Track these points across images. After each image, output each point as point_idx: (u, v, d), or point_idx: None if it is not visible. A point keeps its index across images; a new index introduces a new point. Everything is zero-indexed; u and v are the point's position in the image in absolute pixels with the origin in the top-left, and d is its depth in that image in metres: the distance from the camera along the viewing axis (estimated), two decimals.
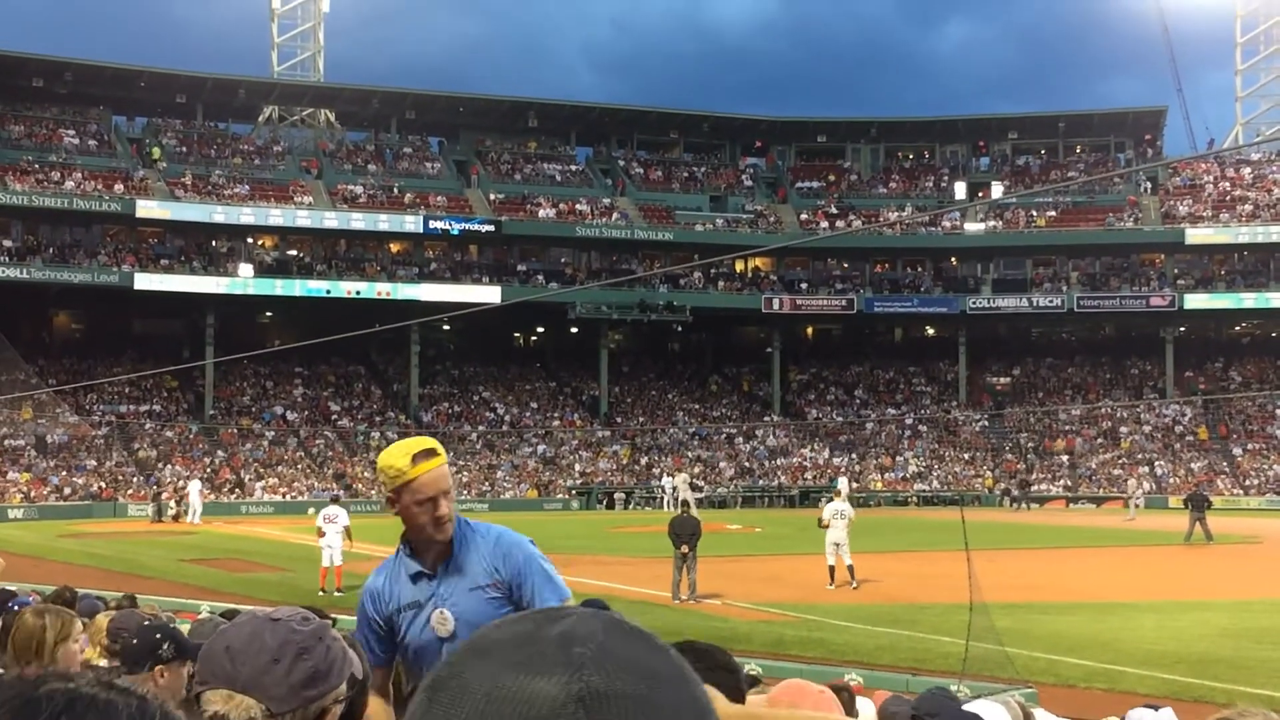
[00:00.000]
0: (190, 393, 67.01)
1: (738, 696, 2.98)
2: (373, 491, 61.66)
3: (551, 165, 78.63)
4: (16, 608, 8.00)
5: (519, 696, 0.92)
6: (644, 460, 68.69)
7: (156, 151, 69.13)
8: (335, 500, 29.67)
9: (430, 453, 4.35)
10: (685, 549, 24.38)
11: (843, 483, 61.05)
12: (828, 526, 26.48)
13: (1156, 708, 6.51)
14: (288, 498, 59.02)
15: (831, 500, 29.11)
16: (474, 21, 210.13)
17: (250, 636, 2.27)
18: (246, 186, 68.40)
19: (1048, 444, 70.98)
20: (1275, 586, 27.44)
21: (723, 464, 68.64)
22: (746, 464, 68.93)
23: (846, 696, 8.14)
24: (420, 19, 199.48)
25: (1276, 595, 25.47)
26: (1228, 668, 16.81)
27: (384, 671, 4.48)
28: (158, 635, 4.45)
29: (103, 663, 5.67)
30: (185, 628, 6.11)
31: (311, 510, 37.67)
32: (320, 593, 24.99)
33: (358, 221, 68.07)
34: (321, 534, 26.51)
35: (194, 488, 52.91)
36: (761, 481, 66.93)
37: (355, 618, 4.72)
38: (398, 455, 4.34)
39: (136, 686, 1.01)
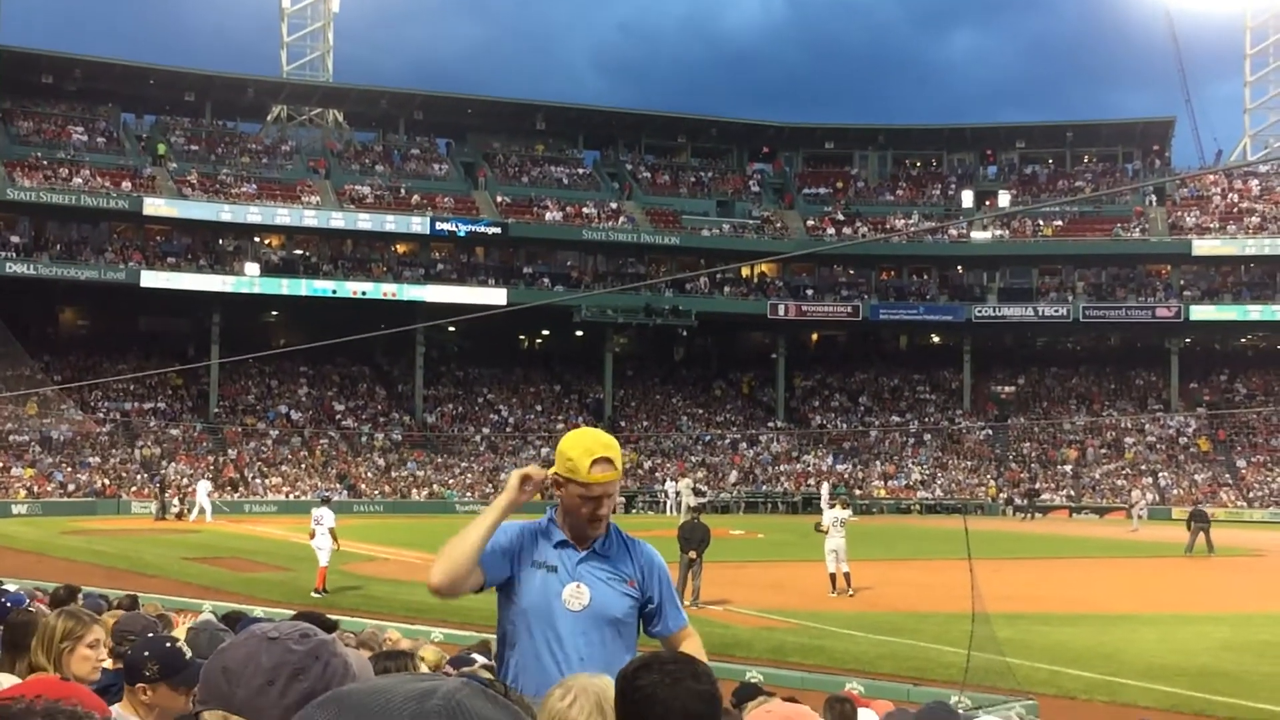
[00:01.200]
0: (195, 391, 67.06)
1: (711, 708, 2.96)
2: (376, 492, 61.83)
3: (559, 168, 78.67)
4: (10, 605, 8.01)
5: None
6: (647, 464, 68.68)
7: (162, 148, 69.22)
8: (325, 501, 29.61)
9: (610, 463, 4.58)
10: (693, 554, 24.40)
11: (825, 489, 61.35)
12: (826, 532, 26.49)
13: None
14: (291, 497, 59.04)
15: (834, 507, 29.07)
16: (483, 24, 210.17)
17: (246, 657, 2.25)
18: (254, 185, 68.47)
19: (1051, 454, 70.91)
20: (1278, 600, 27.41)
21: (729, 470, 68.59)
22: (750, 469, 68.90)
23: (849, 707, 8.17)
24: (429, 21, 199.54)
25: (1279, 609, 25.45)
26: (1229, 681, 16.80)
27: (480, 575, 4.64)
28: (145, 654, 4.44)
29: (108, 664, 5.68)
30: (183, 630, 6.10)
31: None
32: (314, 594, 24.97)
33: (364, 222, 68.10)
34: (313, 535, 26.55)
35: (202, 488, 52.91)
36: (765, 487, 66.88)
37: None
38: (581, 450, 4.58)
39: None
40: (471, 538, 4.58)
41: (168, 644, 4.59)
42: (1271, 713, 14.60)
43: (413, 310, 64.37)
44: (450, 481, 64.12)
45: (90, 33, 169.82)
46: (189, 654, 4.58)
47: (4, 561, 28.57)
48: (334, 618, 10.97)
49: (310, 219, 67.17)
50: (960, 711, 6.39)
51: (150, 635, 4.86)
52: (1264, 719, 13.84)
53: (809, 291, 74.71)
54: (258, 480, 61.25)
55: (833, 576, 26.39)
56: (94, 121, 70.96)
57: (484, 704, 0.99)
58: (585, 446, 4.59)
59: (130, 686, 4.38)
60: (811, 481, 67.47)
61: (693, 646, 4.72)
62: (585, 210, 73.82)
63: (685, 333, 74.35)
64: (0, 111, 67.10)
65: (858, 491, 63.52)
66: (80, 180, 64.27)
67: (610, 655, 4.50)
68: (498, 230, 70.16)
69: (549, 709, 3.26)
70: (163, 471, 58.77)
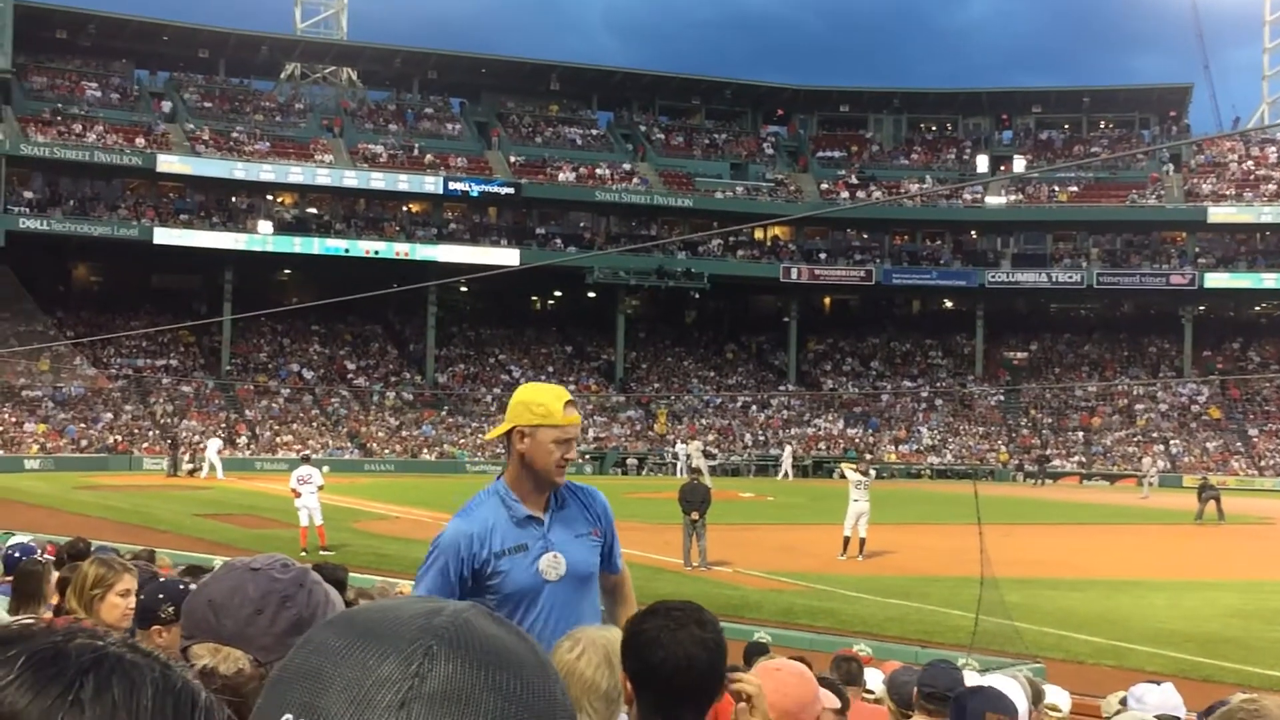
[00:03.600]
0: (207, 348, 67.21)
1: (718, 654, 2.98)
2: (387, 451, 61.98)
3: (572, 129, 78.45)
4: (20, 555, 8.08)
5: (376, 641, 0.99)
6: (658, 427, 68.75)
7: (168, 105, 69.29)
8: (307, 460, 29.56)
9: (573, 404, 4.64)
10: (695, 516, 24.44)
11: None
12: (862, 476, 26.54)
13: (1159, 684, 6.55)
14: (301, 455, 59.13)
15: (857, 470, 28.77)
16: None
17: (232, 589, 2.26)
18: (267, 143, 68.39)
19: (1063, 421, 70.84)
20: None
21: (743, 432, 68.63)
22: (760, 433, 68.92)
23: (855, 665, 8.20)
24: None
25: None
26: (1237, 648, 16.83)
27: None
28: (160, 596, 4.47)
29: None
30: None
31: (326, 468, 37.77)
32: (302, 553, 24.96)
33: (377, 181, 68.01)
34: (297, 494, 26.40)
35: (213, 445, 52.99)
36: (775, 451, 66.96)
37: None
38: (550, 395, 4.61)
39: (160, 653, 1.07)
40: None
41: (180, 586, 4.63)
42: (1279, 679, 14.62)
43: (425, 270, 64.37)
44: (461, 441, 64.24)
45: None
46: None
47: (17, 516, 28.71)
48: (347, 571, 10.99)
49: (323, 177, 67.09)
50: (965, 671, 6.40)
51: (162, 579, 4.89)
52: (1272, 685, 13.85)
53: (822, 255, 74.56)
54: (270, 438, 61.42)
55: (847, 540, 26.41)
56: (108, 78, 70.88)
57: (490, 623, 1.02)
58: (552, 393, 4.63)
59: (145, 630, 4.41)
60: (822, 445, 67.51)
61: (627, 586, 4.97)
62: (598, 171, 73.64)
63: (697, 295, 74.30)
64: (14, 67, 66.92)
65: (869, 456, 63.51)
66: (94, 136, 64.24)
67: (581, 610, 4.59)
68: (511, 191, 70.06)
69: (558, 660, 3.26)
70: (175, 429, 58.96)
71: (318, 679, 0.98)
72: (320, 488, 26.51)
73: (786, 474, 60.53)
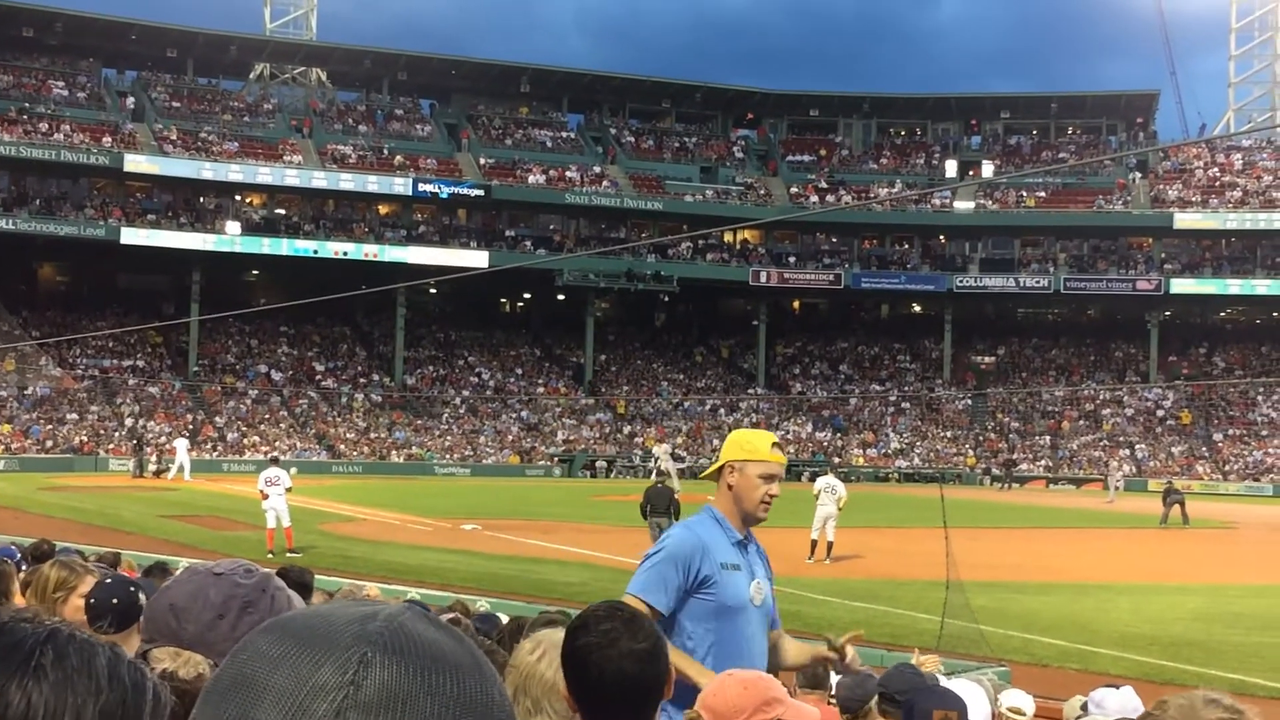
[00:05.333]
0: (174, 349, 66.85)
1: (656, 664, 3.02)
2: (355, 453, 61.77)
3: (543, 131, 78.40)
4: None
5: (310, 649, 0.98)
6: (627, 429, 68.77)
7: (133, 102, 69.07)
8: (275, 461, 29.41)
9: (779, 447, 5.12)
10: (661, 521, 24.32)
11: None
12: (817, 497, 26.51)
13: (1119, 688, 6.63)
14: (269, 456, 58.84)
15: (827, 475, 28.88)
16: None
17: (194, 593, 2.26)
18: (236, 144, 68.10)
19: (1029, 425, 71.19)
20: (1249, 572, 27.64)
21: (711, 436, 68.68)
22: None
23: (822, 670, 8.20)
24: None
25: (1250, 580, 25.66)
26: (1200, 651, 16.94)
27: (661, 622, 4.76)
28: (113, 600, 4.44)
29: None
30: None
31: (294, 470, 37.61)
32: (269, 555, 24.85)
33: (346, 182, 67.80)
34: (264, 496, 26.22)
35: (181, 445, 52.65)
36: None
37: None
38: (759, 437, 5.12)
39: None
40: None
41: (130, 588, 4.61)
42: (1241, 681, 14.73)
43: (394, 271, 64.21)
44: (429, 443, 64.10)
45: None
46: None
47: None
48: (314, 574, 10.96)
49: (292, 178, 66.83)
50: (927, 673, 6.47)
51: (110, 580, 4.85)
52: (1233, 687, 13.96)
53: (791, 259, 74.72)
54: (237, 439, 61.13)
55: (814, 543, 26.46)
56: (75, 76, 70.46)
57: (426, 626, 1.01)
58: (761, 435, 5.13)
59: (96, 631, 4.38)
60: (791, 449, 67.61)
61: (788, 640, 5.39)
62: (568, 174, 73.62)
63: (667, 298, 74.37)
64: None
65: (836, 459, 63.65)
66: (60, 135, 63.84)
67: (764, 639, 5.07)
68: (480, 193, 69.97)
69: (519, 661, 3.29)
70: (141, 430, 58.61)
71: (251, 688, 0.98)
72: (288, 489, 26.37)
73: None
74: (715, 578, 4.87)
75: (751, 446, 5.04)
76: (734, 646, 4.83)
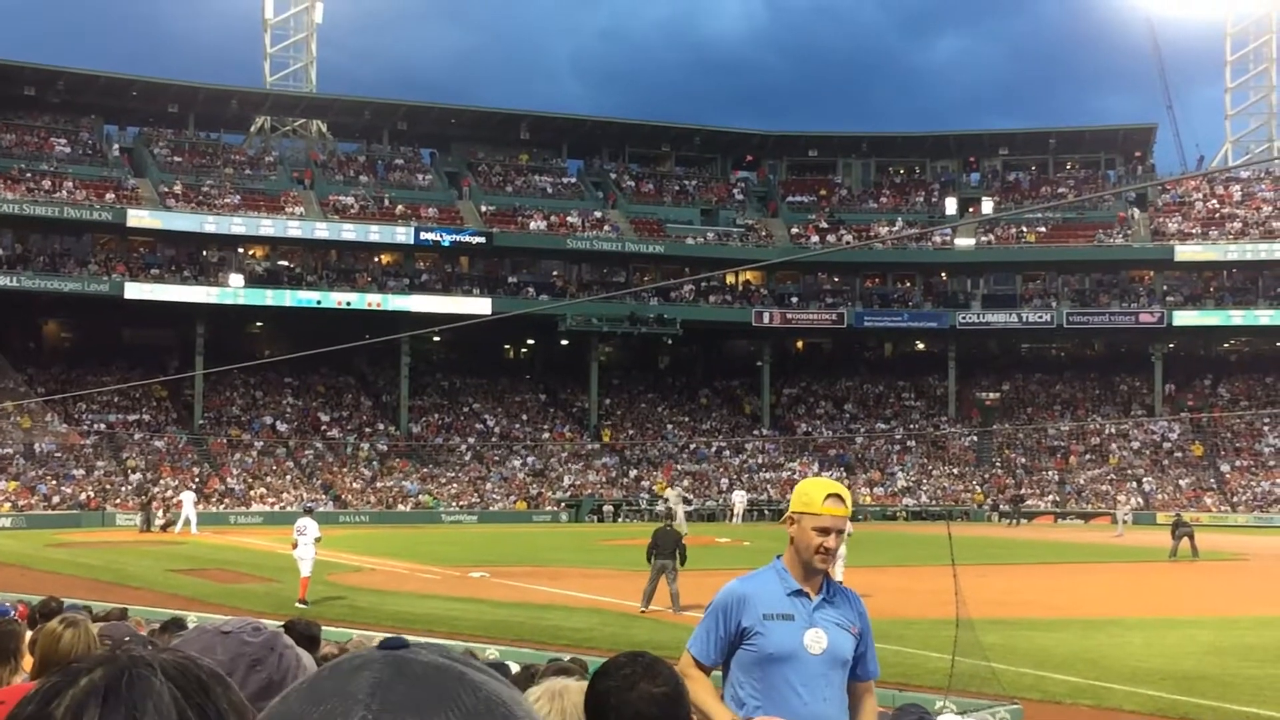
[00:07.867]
0: (180, 402, 66.88)
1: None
2: (361, 503, 61.69)
3: (543, 177, 78.69)
4: None
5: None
6: (633, 473, 68.67)
7: (137, 159, 69.31)
8: (308, 512, 29.49)
9: (840, 500, 5.17)
10: (666, 562, 24.26)
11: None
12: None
13: None
14: (276, 508, 58.88)
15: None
16: (464, 32, 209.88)
17: (201, 651, 2.26)
18: (238, 196, 68.37)
19: (1036, 461, 71.05)
20: (1261, 603, 27.50)
21: (719, 478, 68.58)
22: (735, 477, 68.86)
23: None
24: (411, 28, 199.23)
25: (1262, 612, 25.54)
26: (1214, 685, 16.85)
27: (707, 670, 5.19)
28: None
29: None
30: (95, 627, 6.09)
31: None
32: (299, 604, 24.85)
33: (349, 232, 68.02)
34: (295, 545, 26.39)
35: (188, 499, 52.56)
36: (751, 495, 66.87)
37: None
38: (816, 488, 5.20)
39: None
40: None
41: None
42: (1255, 715, 14.66)
43: (397, 320, 64.28)
44: (436, 491, 64.02)
45: (73, 44, 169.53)
46: None
47: None
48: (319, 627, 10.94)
49: (294, 230, 67.04)
50: (940, 715, 6.49)
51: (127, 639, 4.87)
52: None
53: (793, 299, 74.82)
54: (243, 491, 61.06)
55: None
56: (77, 133, 70.84)
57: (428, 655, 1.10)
58: (821, 485, 5.22)
59: None
60: None
61: (870, 703, 5.35)
62: (569, 219, 73.84)
63: (670, 341, 74.41)
64: None
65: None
66: (63, 192, 64.14)
67: (833, 686, 5.12)
68: (482, 240, 70.15)
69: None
70: (147, 484, 58.56)
71: None
72: (317, 540, 26.43)
73: (736, 518, 60.78)
74: (757, 628, 5.04)
75: (808, 499, 5.13)
76: (781, 695, 4.98)
